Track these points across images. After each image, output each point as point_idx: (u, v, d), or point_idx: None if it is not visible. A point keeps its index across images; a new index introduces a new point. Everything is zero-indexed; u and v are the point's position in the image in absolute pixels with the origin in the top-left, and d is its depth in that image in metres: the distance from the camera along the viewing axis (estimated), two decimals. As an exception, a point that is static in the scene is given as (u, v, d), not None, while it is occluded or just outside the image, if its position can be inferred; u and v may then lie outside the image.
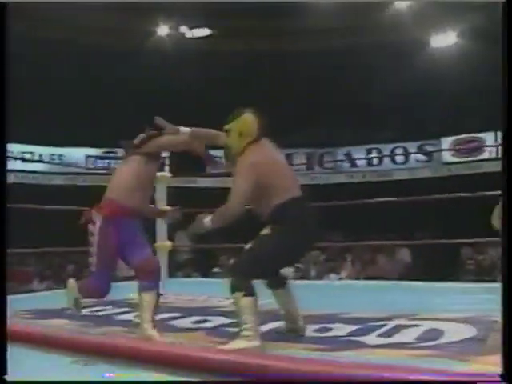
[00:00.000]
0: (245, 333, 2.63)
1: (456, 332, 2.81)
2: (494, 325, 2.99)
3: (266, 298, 3.02)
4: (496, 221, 5.72)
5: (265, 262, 2.81)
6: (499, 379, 1.42)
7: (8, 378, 1.29)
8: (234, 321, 3.39)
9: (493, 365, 2.22)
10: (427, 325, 3.00)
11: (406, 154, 13.82)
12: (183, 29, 12.83)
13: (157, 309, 3.11)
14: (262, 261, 2.80)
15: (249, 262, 2.80)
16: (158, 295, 3.10)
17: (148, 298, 3.04)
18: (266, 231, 2.83)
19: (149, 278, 3.07)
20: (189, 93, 13.11)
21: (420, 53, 12.80)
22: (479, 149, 13.09)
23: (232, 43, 12.98)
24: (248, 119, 2.98)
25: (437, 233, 10.08)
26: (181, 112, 13.24)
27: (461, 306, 3.74)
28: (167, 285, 5.71)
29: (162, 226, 6.21)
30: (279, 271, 3.09)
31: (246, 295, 2.68)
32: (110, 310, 3.97)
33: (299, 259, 3.04)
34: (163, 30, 12.96)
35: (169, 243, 6.25)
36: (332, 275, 9.38)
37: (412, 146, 13.35)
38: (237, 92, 12.87)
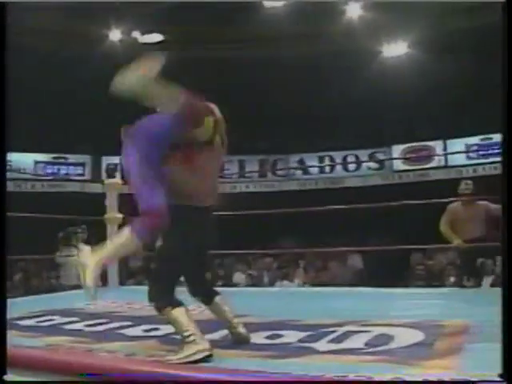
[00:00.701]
0: (190, 338, 2.61)
1: (405, 337, 2.85)
2: (440, 329, 3.04)
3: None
4: (443, 227, 5.87)
5: (168, 276, 2.77)
6: (499, 379, 1.44)
7: (8, 378, 1.26)
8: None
9: (440, 368, 2.26)
10: (377, 330, 3.03)
11: (358, 162, 14.02)
12: (136, 34, 12.70)
13: (126, 253, 2.95)
14: (166, 276, 2.77)
15: (157, 282, 2.79)
16: (136, 247, 2.80)
17: (128, 238, 2.68)
18: (158, 243, 2.82)
19: (144, 226, 2.70)
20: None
21: (372, 62, 13.02)
22: (428, 157, 13.39)
23: (185, 49, 12.93)
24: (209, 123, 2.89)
25: (388, 239, 10.24)
26: (131, 117, 13.15)
27: (410, 311, 3.80)
28: (118, 293, 5.65)
29: (113, 233, 6.12)
30: (208, 286, 3.08)
31: (173, 307, 2.66)
32: (58, 319, 3.88)
33: (203, 260, 2.95)
34: (115, 35, 12.81)
35: (120, 250, 6.16)
36: (285, 282, 9.42)
37: (364, 154, 13.55)
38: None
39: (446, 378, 1.86)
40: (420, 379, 1.88)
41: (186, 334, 2.63)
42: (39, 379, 1.74)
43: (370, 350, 2.63)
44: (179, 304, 2.70)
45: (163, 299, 2.70)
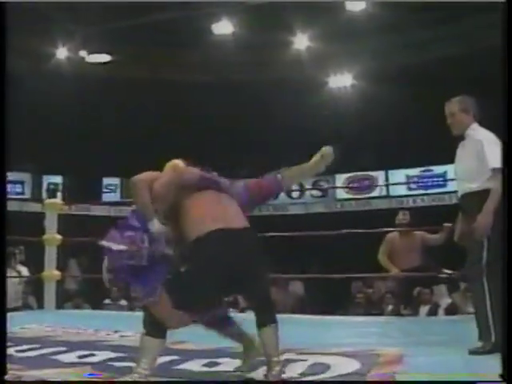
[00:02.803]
0: (136, 370, 2.58)
1: (340, 366, 2.88)
2: (375, 359, 3.09)
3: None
4: (381, 256, 5.98)
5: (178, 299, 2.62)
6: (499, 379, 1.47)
7: (8, 378, 1.22)
8: (121, 355, 3.31)
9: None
10: (314, 359, 3.05)
11: (302, 190, 14.16)
12: (83, 53, 12.57)
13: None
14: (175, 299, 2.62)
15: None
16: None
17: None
18: (183, 268, 2.67)
19: None
20: (86, 118, 12.86)
21: (318, 92, 13.26)
22: (371, 186, 13.66)
23: (133, 70, 12.89)
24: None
25: (329, 267, 10.33)
26: (73, 137, 12.99)
27: (349, 339, 3.85)
28: (54, 316, 5.50)
29: (51, 254, 5.99)
30: (261, 306, 2.80)
31: (147, 334, 2.63)
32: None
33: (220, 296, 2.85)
34: (62, 53, 12.63)
35: (57, 272, 6.03)
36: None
37: (307, 182, 13.71)
38: (134, 120, 12.78)
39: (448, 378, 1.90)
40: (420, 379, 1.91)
41: (138, 364, 2.60)
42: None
43: (306, 379, 2.64)
44: (156, 335, 2.62)
45: (154, 327, 2.64)
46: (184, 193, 2.82)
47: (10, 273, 7.20)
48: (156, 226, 2.68)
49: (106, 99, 12.60)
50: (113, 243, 2.66)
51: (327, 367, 2.86)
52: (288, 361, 3.02)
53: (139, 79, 12.82)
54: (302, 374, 2.74)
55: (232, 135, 13.36)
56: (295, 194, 14.09)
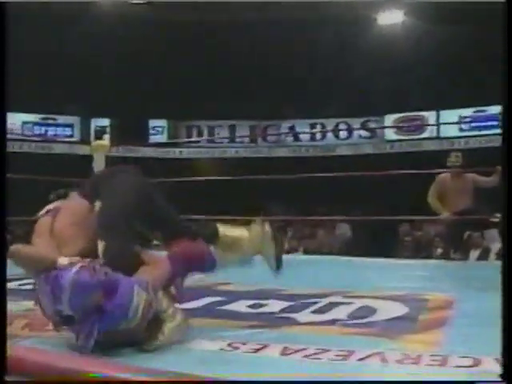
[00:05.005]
0: (165, 315, 2.42)
1: (388, 310, 2.82)
2: (424, 303, 3.02)
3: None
4: (431, 198, 5.84)
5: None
6: (499, 379, 1.42)
7: (8, 377, 1.23)
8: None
9: (421, 343, 2.24)
10: (361, 302, 3.00)
11: (350, 130, 13.94)
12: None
13: None
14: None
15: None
16: None
17: None
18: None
19: None
20: (133, 60, 12.82)
21: (366, 29, 12.85)
22: (421, 127, 13.33)
23: (174, 11, 12.71)
24: None
25: (377, 209, 10.22)
26: (120, 79, 13.00)
27: (396, 283, 3.78)
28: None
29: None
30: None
31: None
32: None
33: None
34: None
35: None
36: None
37: (356, 122, 13.46)
38: (177, 62, 12.68)
39: (447, 378, 1.87)
40: (421, 379, 1.86)
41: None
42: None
43: (352, 322, 2.60)
44: None
45: None
46: None
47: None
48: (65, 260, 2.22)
49: (150, 40, 12.50)
50: (64, 266, 2.12)
51: (373, 311, 2.80)
52: (334, 303, 2.99)
53: (180, 20, 12.64)
54: (349, 317, 2.70)
55: (278, 76, 13.13)
56: (343, 135, 13.89)
